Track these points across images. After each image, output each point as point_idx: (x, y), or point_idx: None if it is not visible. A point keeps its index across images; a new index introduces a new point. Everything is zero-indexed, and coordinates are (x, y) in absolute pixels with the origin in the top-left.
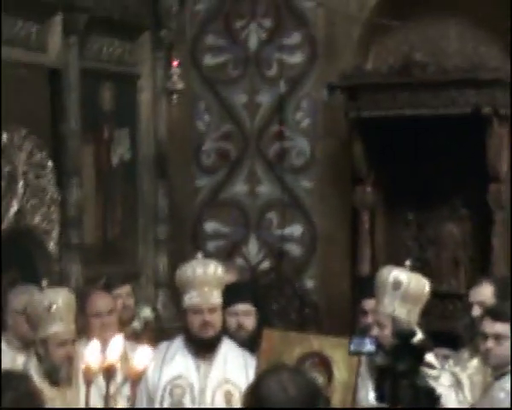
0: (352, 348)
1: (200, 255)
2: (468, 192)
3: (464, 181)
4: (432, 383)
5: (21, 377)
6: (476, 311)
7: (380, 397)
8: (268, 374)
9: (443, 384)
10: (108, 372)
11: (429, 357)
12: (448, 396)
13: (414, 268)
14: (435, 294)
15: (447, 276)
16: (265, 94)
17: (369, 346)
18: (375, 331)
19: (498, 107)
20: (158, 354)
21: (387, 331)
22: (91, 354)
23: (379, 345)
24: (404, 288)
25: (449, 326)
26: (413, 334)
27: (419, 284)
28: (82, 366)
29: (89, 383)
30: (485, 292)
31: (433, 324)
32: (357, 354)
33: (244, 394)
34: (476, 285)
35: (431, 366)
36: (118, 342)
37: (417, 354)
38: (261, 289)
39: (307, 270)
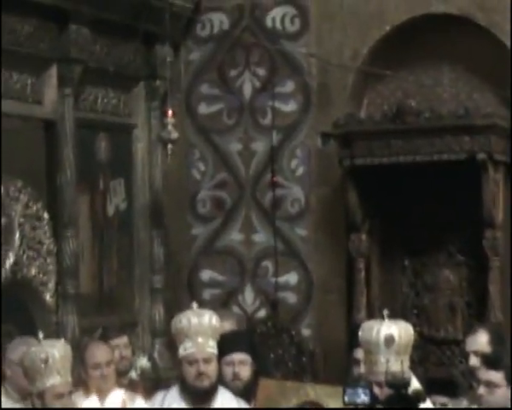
0: (347, 399)
1: (195, 305)
2: (464, 238)
3: (460, 227)
4: None
5: None
6: (473, 360)
7: None
8: None
9: None
10: None
11: (427, 404)
12: None
13: (394, 312)
14: (432, 340)
15: (444, 322)
16: (260, 142)
17: (363, 397)
18: (376, 390)
19: (493, 152)
20: (154, 404)
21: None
22: None
23: (373, 395)
24: (396, 343)
25: (446, 373)
26: (406, 384)
27: (408, 334)
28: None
29: None
30: (480, 340)
31: (431, 370)
32: (352, 405)
33: None
34: (471, 334)
35: None
36: (117, 397)
37: (411, 404)
38: (258, 338)
39: (303, 318)
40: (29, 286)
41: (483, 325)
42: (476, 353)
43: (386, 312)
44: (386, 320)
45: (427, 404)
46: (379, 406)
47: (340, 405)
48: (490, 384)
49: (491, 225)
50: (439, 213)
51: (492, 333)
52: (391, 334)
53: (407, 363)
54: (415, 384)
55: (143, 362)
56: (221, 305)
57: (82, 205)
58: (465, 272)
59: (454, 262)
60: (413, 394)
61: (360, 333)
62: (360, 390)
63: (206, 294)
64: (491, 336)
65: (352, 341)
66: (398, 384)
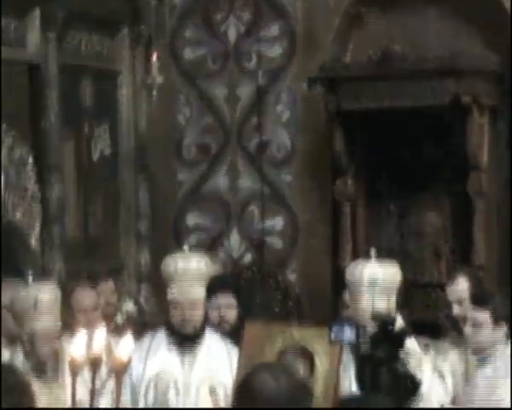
0: (333, 336)
1: (186, 248)
2: (449, 181)
3: (445, 171)
4: (413, 369)
5: (9, 369)
6: (456, 309)
7: (360, 384)
8: (260, 367)
9: (425, 371)
10: (94, 364)
11: (411, 343)
12: (432, 383)
13: (381, 254)
14: (417, 284)
15: (429, 266)
16: (245, 87)
17: (349, 334)
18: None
19: (478, 96)
20: (142, 347)
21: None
22: (77, 347)
23: (358, 332)
24: (381, 283)
25: (431, 316)
26: (391, 321)
27: (393, 274)
28: (68, 359)
29: (74, 375)
30: (461, 288)
31: (415, 314)
32: (338, 342)
33: (235, 386)
34: (451, 283)
35: (412, 353)
36: (102, 333)
37: (396, 340)
38: (243, 283)
39: (289, 263)
40: (14, 231)
41: (462, 272)
42: (459, 302)
43: (373, 250)
44: (372, 260)
45: (413, 343)
46: (364, 343)
47: (326, 346)
48: (476, 324)
49: (476, 168)
50: (424, 157)
51: (473, 277)
52: (374, 273)
53: (393, 303)
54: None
55: (129, 307)
56: (207, 250)
57: (66, 151)
58: (450, 215)
59: (439, 206)
60: (398, 330)
61: (346, 273)
62: (346, 328)
63: (192, 239)
64: (471, 282)
65: (338, 285)
66: (384, 321)
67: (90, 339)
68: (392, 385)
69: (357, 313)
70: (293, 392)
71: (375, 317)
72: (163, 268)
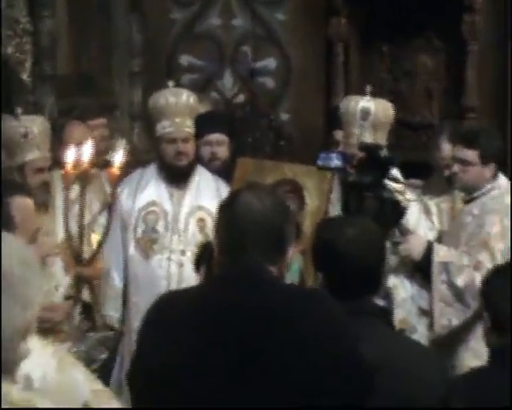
0: (320, 162)
1: (171, 84)
2: (443, 23)
3: (439, 12)
4: (397, 196)
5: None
6: (455, 168)
7: (345, 210)
8: (244, 188)
9: (409, 199)
10: (84, 178)
11: (395, 172)
12: (419, 219)
13: (375, 94)
14: (408, 125)
15: (420, 107)
16: None
17: (335, 161)
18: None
19: None
20: (132, 182)
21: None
22: (68, 159)
23: (346, 160)
24: (372, 116)
25: (422, 157)
26: (378, 147)
27: (386, 110)
28: (61, 172)
29: (67, 187)
30: (444, 152)
31: (407, 155)
32: (325, 168)
33: (219, 206)
34: (435, 149)
35: (397, 180)
36: (89, 147)
37: (382, 166)
38: (236, 123)
39: (282, 103)
40: (5, 65)
41: (442, 136)
42: (446, 166)
43: (368, 88)
44: (367, 96)
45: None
46: (351, 170)
47: (316, 183)
48: (464, 162)
49: (470, 9)
50: None
51: (452, 131)
52: (367, 107)
53: (383, 139)
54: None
55: (123, 144)
56: (200, 90)
57: None
58: (443, 57)
59: (432, 47)
60: (384, 158)
61: (340, 105)
62: (333, 155)
63: (185, 79)
64: (452, 136)
65: (331, 124)
66: (370, 147)
67: (80, 154)
68: (377, 210)
69: (347, 145)
70: (276, 212)
71: (362, 146)
72: (152, 104)
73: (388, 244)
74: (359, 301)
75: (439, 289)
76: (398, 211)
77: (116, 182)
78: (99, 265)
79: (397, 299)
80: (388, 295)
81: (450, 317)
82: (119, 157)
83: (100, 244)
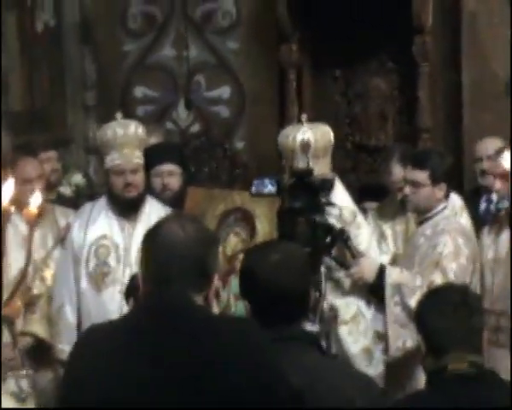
0: (254, 189)
1: (119, 116)
2: (395, 46)
3: (391, 35)
4: (331, 220)
5: None
6: (406, 190)
7: (281, 236)
8: (167, 217)
9: (363, 228)
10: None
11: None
12: (364, 232)
13: (326, 121)
14: (364, 148)
15: (375, 130)
16: None
17: (269, 187)
18: None
19: None
20: (82, 215)
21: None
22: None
23: (280, 186)
24: (313, 148)
25: (378, 180)
26: (309, 172)
27: (324, 135)
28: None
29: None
30: (396, 176)
31: (363, 178)
32: (259, 195)
33: (143, 236)
34: (386, 173)
35: (331, 204)
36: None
37: (314, 191)
38: (192, 153)
39: (236, 131)
40: None
41: (394, 157)
42: (400, 188)
43: (304, 117)
44: (304, 125)
45: (347, 199)
46: (284, 194)
47: (266, 210)
48: (415, 184)
49: (420, 31)
50: (369, 22)
51: (402, 153)
52: (306, 138)
53: (327, 167)
54: (339, 188)
55: (78, 179)
56: (156, 121)
57: (9, 21)
58: (396, 79)
59: (385, 70)
60: (317, 181)
61: (278, 140)
62: (267, 181)
63: (140, 110)
64: (402, 158)
65: None
66: (301, 172)
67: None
68: (310, 235)
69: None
70: (199, 241)
71: (293, 171)
72: (101, 137)
73: (323, 269)
74: (285, 328)
75: (392, 311)
76: (332, 235)
77: (33, 223)
78: (17, 304)
79: (359, 329)
80: (325, 319)
81: (405, 338)
82: (36, 198)
83: (18, 283)
